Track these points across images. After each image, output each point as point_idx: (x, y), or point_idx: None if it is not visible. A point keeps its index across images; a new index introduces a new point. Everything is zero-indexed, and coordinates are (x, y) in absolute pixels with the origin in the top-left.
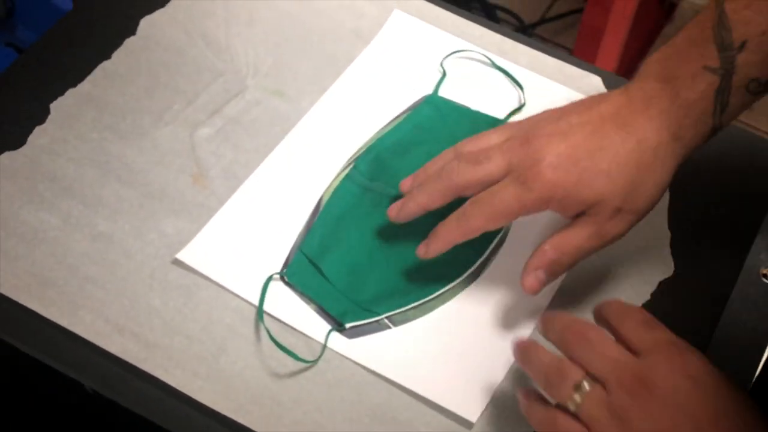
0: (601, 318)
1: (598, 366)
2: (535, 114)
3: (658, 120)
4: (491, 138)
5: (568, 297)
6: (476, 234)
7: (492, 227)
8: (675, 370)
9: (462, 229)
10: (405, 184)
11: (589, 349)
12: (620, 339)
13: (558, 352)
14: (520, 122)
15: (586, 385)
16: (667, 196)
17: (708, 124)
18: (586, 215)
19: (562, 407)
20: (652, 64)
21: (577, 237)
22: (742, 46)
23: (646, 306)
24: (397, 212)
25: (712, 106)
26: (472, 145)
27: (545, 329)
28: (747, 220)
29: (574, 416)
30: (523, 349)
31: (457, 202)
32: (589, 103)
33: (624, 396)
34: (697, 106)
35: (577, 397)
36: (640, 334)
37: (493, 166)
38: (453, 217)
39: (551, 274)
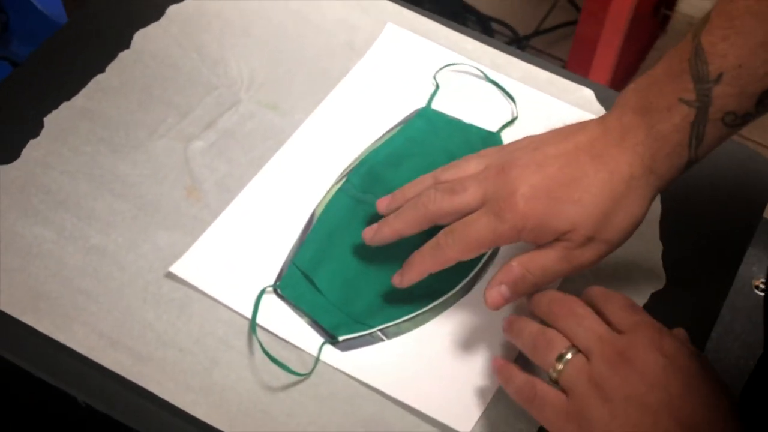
0: (587, 302)
1: (582, 338)
2: (513, 141)
3: (632, 152)
4: (469, 166)
5: None
6: (451, 264)
7: (466, 258)
8: (653, 347)
9: (436, 259)
10: (381, 204)
11: (575, 323)
12: (604, 320)
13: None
14: (498, 150)
15: (569, 354)
16: (659, 208)
17: (683, 156)
18: (557, 240)
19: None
20: (629, 94)
21: (545, 258)
22: (719, 78)
23: None
24: (372, 236)
25: (687, 139)
26: (450, 173)
27: (534, 304)
28: (738, 232)
29: (554, 384)
30: (511, 320)
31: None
32: (567, 132)
33: (604, 366)
34: (673, 138)
35: (559, 365)
36: (623, 316)
37: (468, 196)
38: (427, 247)
39: (515, 291)
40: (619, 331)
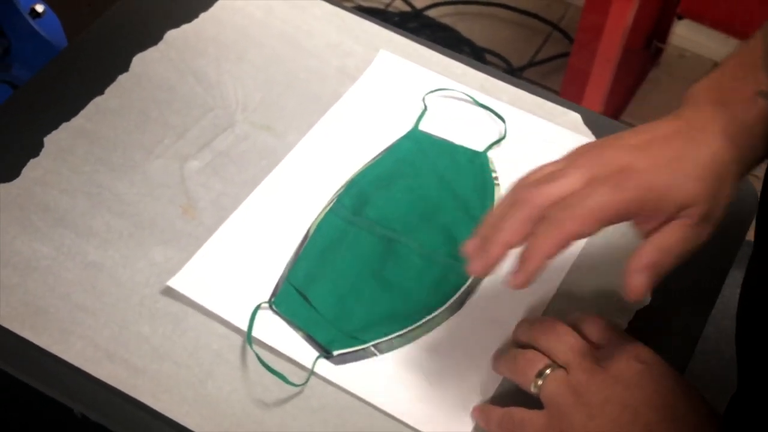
0: (568, 325)
1: (560, 353)
2: (577, 147)
3: (722, 137)
4: (554, 164)
5: None
6: (570, 243)
7: (587, 233)
8: (629, 356)
9: (555, 238)
10: (469, 246)
11: (554, 339)
12: (583, 338)
13: None
14: (576, 150)
15: (548, 370)
16: None
17: (761, 148)
18: (677, 219)
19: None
20: (700, 91)
21: (675, 239)
22: None
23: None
24: (482, 268)
25: (765, 131)
26: (535, 174)
27: (517, 331)
28: (722, 253)
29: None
30: (495, 354)
31: (445, 245)
32: (644, 128)
33: (582, 375)
34: (756, 129)
35: (540, 380)
36: (601, 335)
37: (573, 180)
38: (540, 231)
39: (655, 275)
40: (597, 347)
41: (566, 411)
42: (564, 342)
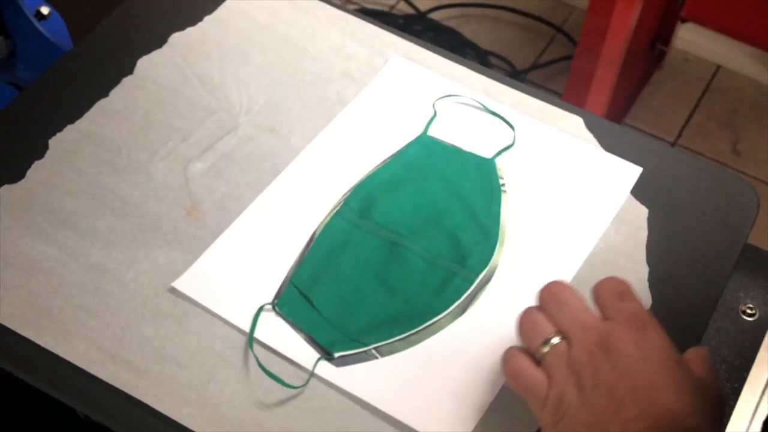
0: (593, 291)
1: (565, 324)
2: None
3: None
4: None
5: None
6: None
7: None
8: (631, 339)
9: None
10: None
11: (560, 309)
12: (597, 305)
13: None
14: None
15: (554, 340)
16: (645, 232)
17: None
18: None
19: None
20: None
21: None
22: None
23: None
24: None
25: None
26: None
27: (538, 294)
28: (722, 257)
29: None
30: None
31: (449, 250)
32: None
33: (581, 353)
34: None
35: (544, 348)
36: (612, 302)
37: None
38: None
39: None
40: (606, 318)
41: (563, 390)
42: (568, 313)
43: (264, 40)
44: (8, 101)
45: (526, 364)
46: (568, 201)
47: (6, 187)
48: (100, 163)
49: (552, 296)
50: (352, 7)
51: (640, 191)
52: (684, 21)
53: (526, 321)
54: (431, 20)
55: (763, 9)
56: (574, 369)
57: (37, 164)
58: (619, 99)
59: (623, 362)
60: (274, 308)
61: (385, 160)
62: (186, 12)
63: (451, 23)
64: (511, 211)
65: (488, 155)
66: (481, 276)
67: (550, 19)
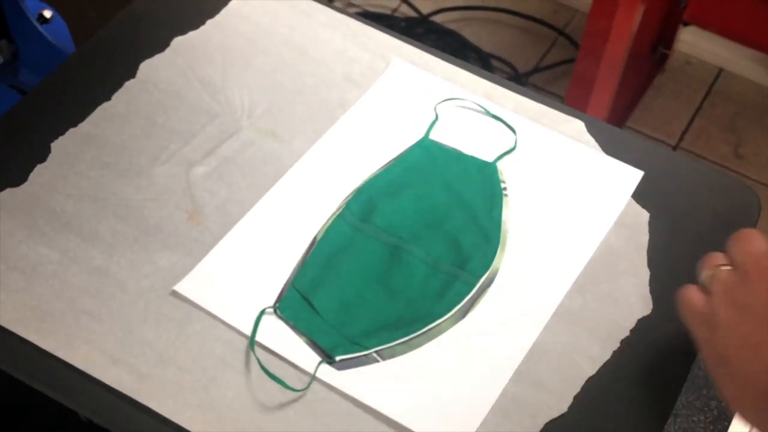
0: None
1: (736, 255)
2: None
3: None
4: None
5: (549, 335)
6: None
7: None
8: None
9: None
10: None
11: (736, 243)
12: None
13: None
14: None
15: (722, 268)
16: (647, 236)
17: None
18: None
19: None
20: None
21: None
22: None
23: (625, 342)
24: None
25: None
26: None
27: None
28: None
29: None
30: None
31: (451, 254)
32: None
33: (743, 277)
34: None
35: (710, 273)
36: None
37: None
38: None
39: None
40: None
41: (718, 308)
42: (740, 247)
43: (266, 44)
44: (11, 105)
45: (692, 288)
46: (570, 205)
47: (8, 190)
48: (103, 167)
49: (741, 234)
50: (354, 10)
51: (641, 195)
52: (686, 24)
53: (706, 256)
54: (433, 23)
55: (765, 12)
56: (732, 291)
57: (39, 168)
58: (621, 102)
59: (761, 314)
60: (275, 312)
61: (387, 163)
62: (188, 16)
63: (453, 26)
64: (512, 215)
65: (490, 159)
66: (482, 280)
67: (552, 22)
